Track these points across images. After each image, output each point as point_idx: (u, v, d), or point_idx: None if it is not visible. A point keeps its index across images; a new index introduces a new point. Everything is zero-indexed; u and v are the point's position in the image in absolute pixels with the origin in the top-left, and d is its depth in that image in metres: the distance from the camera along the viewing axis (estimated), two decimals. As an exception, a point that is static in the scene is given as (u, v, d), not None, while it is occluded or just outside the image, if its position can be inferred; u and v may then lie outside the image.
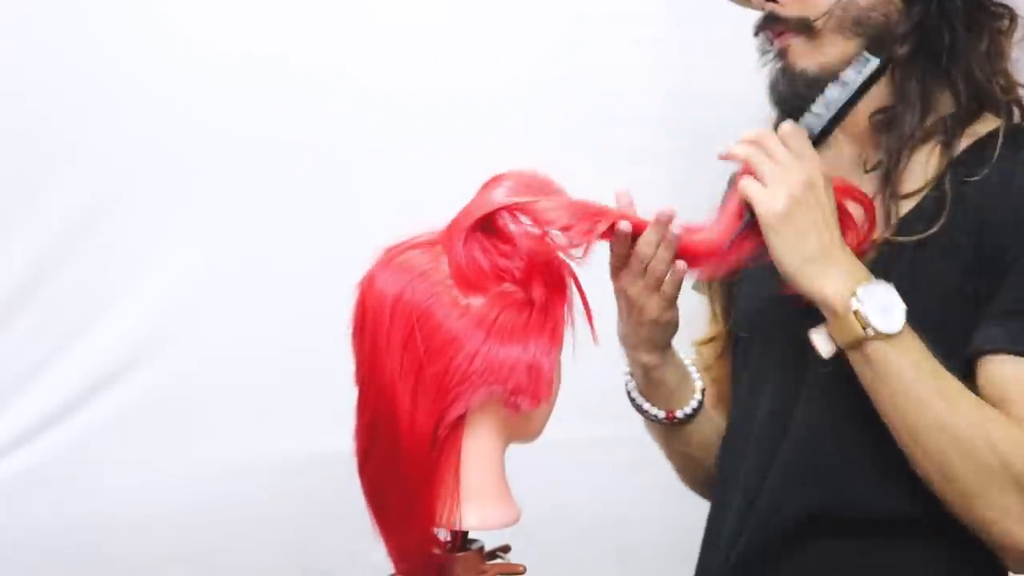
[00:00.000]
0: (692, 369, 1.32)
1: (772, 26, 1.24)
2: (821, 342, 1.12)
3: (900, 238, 1.17)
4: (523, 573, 1.05)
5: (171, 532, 1.73)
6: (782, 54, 1.23)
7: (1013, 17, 1.23)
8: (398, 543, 1.04)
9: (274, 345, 1.74)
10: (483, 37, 1.80)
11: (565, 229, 1.05)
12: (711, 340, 1.40)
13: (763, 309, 1.28)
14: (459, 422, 1.01)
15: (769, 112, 1.27)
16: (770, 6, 1.23)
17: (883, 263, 1.16)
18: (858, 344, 1.09)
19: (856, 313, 1.08)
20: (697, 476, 1.40)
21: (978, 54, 1.21)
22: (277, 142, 1.73)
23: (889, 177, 1.20)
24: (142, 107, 1.70)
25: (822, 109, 1.16)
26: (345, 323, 1.05)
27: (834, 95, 1.16)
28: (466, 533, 1.06)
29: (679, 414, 1.30)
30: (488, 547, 1.07)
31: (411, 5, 1.79)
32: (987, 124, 1.21)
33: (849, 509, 1.17)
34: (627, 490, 1.82)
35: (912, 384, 1.08)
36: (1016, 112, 1.22)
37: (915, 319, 1.09)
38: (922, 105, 1.20)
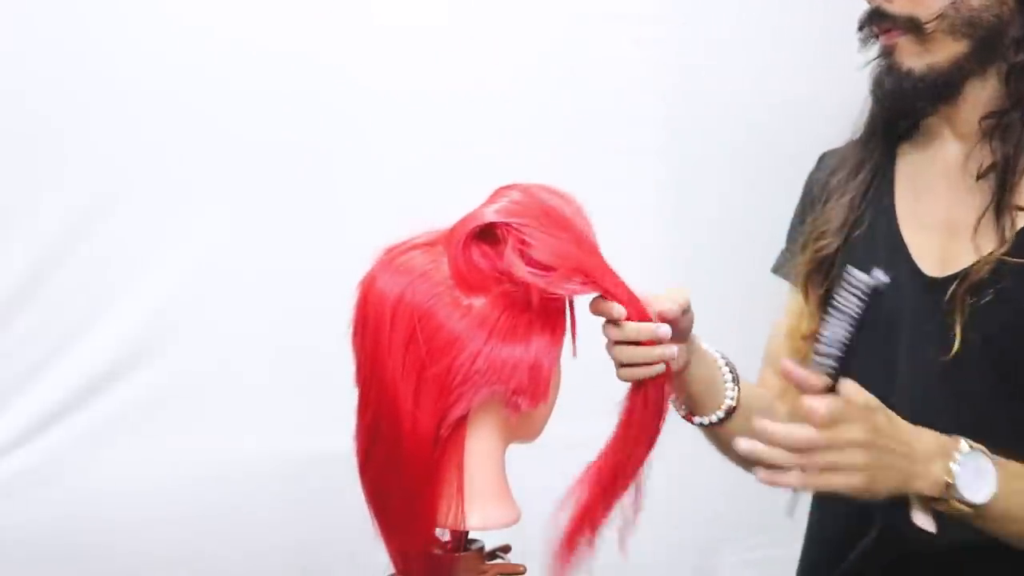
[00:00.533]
0: (728, 382, 1.25)
1: (879, 23, 1.21)
2: (925, 522, 1.09)
3: (1017, 259, 1.14)
4: (523, 573, 1.05)
5: (171, 532, 1.73)
6: (888, 51, 1.21)
7: None
8: (399, 543, 1.04)
9: (274, 345, 1.74)
10: (483, 37, 1.80)
11: (544, 269, 1.00)
12: (808, 336, 1.33)
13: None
14: (461, 422, 1.01)
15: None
16: (878, 1, 1.20)
17: (996, 282, 1.14)
18: (971, 517, 1.07)
19: (960, 501, 1.06)
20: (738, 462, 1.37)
21: None
22: (277, 142, 1.73)
23: (1003, 187, 1.17)
24: (142, 107, 1.70)
25: (831, 348, 1.06)
26: (345, 323, 1.05)
27: (835, 331, 1.05)
28: (467, 533, 1.06)
29: (695, 421, 1.26)
30: (488, 547, 1.07)
31: (411, 5, 1.79)
32: None
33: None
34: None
35: None
36: None
37: None
38: None
